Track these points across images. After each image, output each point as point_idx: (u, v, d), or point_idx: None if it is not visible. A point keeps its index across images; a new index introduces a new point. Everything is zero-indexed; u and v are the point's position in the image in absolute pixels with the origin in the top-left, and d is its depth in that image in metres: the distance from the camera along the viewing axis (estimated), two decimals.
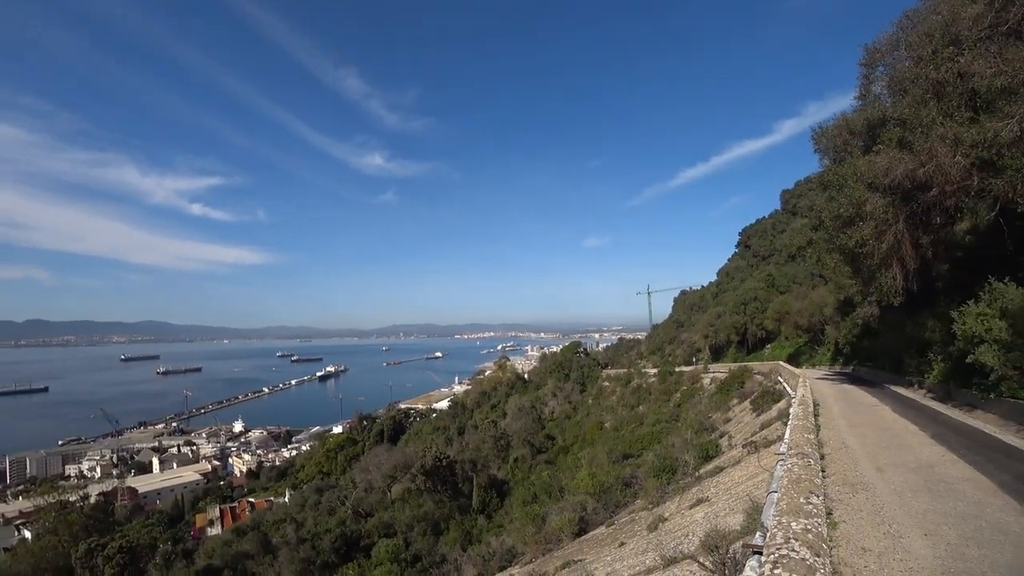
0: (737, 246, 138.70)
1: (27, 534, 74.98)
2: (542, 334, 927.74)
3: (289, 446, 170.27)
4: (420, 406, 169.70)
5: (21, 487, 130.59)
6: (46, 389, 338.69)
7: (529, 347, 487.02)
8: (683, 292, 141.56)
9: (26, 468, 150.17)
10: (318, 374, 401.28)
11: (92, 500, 48.98)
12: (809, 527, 5.54)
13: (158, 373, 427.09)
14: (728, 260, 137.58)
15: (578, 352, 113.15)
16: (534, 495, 35.33)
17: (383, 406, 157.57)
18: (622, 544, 15.11)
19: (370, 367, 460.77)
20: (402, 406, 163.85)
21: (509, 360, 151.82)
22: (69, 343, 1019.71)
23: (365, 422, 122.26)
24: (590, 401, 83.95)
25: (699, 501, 14.96)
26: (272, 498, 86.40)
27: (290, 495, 79.08)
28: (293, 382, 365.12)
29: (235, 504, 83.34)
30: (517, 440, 66.51)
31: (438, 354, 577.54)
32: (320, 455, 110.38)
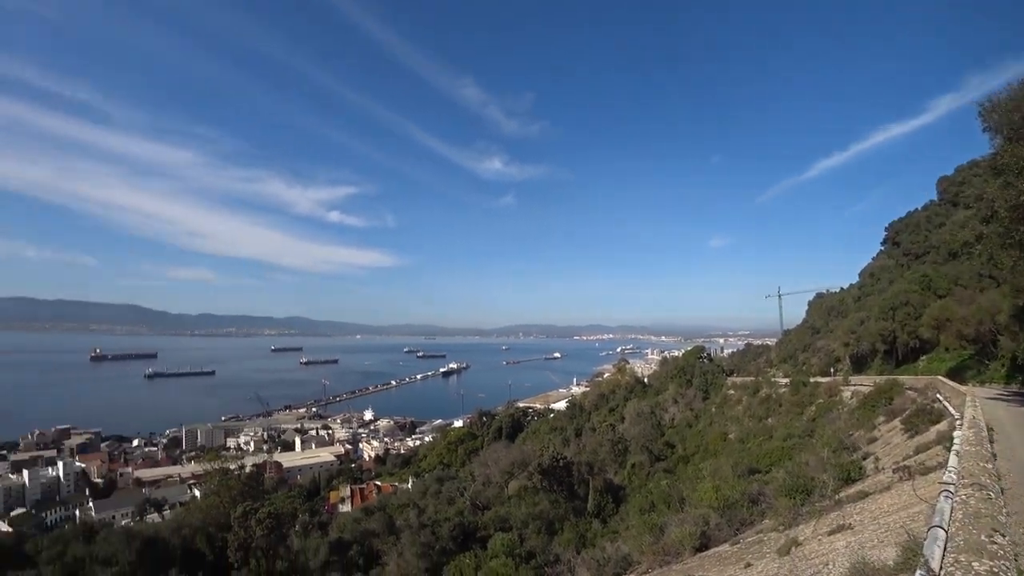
0: (883, 243, 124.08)
1: (197, 493, 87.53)
2: (662, 337, 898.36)
3: (413, 436, 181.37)
4: (538, 405, 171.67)
5: (193, 453, 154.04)
6: (213, 372, 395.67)
7: (649, 350, 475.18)
8: (819, 295, 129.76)
9: (197, 437, 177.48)
10: (441, 370, 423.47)
11: (247, 470, 55.35)
12: (996, 570, 4.70)
13: (301, 363, 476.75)
14: (872, 259, 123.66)
15: (701, 357, 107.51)
16: (652, 503, 34.10)
17: (502, 404, 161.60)
18: (748, 565, 14.12)
19: (490, 365, 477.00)
20: (520, 404, 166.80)
21: (628, 363, 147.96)
22: (230, 334, 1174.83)
23: (484, 418, 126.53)
24: (713, 409, 79.87)
25: (840, 528, 13.55)
26: (397, 483, 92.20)
27: (413, 482, 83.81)
28: (418, 376, 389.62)
29: (363, 486, 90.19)
30: (635, 446, 64.85)
31: (557, 355, 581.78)
32: (441, 447, 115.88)
